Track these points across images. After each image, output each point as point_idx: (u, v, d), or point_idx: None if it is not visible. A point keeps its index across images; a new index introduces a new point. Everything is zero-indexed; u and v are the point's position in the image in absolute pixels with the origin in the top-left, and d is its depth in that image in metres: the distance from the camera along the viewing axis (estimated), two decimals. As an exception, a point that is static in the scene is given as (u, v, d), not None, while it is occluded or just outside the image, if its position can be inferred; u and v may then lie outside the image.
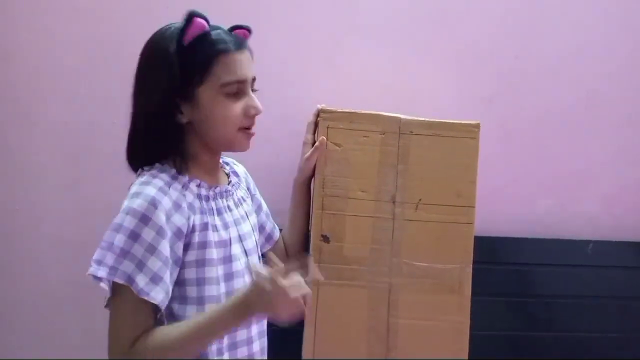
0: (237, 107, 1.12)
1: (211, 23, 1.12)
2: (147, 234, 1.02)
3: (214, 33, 1.10)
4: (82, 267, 1.68)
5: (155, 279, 1.03)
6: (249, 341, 1.18)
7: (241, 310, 1.03)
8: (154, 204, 1.03)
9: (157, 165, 1.12)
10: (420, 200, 1.33)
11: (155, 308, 1.05)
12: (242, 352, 1.16)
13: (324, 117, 1.33)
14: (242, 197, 1.27)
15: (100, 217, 1.66)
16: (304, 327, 1.32)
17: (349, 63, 1.76)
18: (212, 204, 1.15)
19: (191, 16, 1.08)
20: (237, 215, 1.20)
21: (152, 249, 1.02)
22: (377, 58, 1.77)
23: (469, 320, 1.34)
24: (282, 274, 1.01)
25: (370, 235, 1.33)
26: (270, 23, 1.70)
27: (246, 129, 1.15)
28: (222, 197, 1.18)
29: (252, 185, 1.40)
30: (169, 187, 1.08)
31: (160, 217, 1.03)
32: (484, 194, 1.78)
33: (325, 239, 1.32)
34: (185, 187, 1.11)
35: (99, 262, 1.02)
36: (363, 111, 1.34)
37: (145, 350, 1.02)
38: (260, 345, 1.22)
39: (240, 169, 1.37)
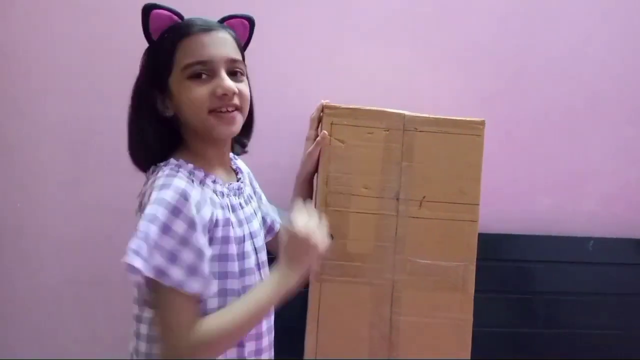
0: (203, 89, 1.08)
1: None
2: (179, 227, 1.00)
3: (181, 22, 1.11)
4: (83, 265, 1.70)
5: (190, 271, 1.01)
6: (259, 336, 1.17)
7: (286, 272, 1.10)
8: (185, 196, 1.01)
9: (172, 160, 1.10)
10: (424, 197, 1.33)
11: (196, 299, 1.04)
12: (250, 346, 1.16)
13: (327, 113, 1.32)
14: (250, 194, 1.26)
15: (101, 215, 1.67)
16: (306, 322, 1.32)
17: (349, 62, 1.76)
18: (227, 200, 1.14)
19: (145, 10, 1.09)
20: (247, 213, 1.20)
21: (184, 241, 1.00)
22: (378, 57, 1.77)
23: (472, 318, 1.34)
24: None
25: (373, 232, 1.32)
26: (270, 22, 1.69)
27: (218, 111, 1.10)
28: (235, 195, 1.18)
29: (253, 181, 1.39)
30: (192, 182, 1.07)
31: (191, 210, 1.01)
32: (485, 191, 1.77)
33: (329, 235, 1.31)
34: (202, 182, 1.10)
35: (137, 253, 0.97)
36: (367, 107, 1.33)
37: (208, 333, 1.02)
38: (269, 340, 1.21)
39: (243, 165, 1.37)
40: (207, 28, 1.10)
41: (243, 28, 1.20)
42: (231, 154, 1.34)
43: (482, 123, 1.35)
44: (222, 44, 1.11)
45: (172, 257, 0.99)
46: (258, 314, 1.09)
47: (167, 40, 1.09)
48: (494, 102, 1.82)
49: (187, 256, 1.01)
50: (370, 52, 1.76)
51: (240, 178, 1.25)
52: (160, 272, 0.99)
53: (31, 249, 1.69)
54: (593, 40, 1.84)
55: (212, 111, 1.09)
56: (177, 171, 1.07)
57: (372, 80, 1.76)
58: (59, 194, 1.68)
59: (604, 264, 1.82)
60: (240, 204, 1.18)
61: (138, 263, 0.97)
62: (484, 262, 1.71)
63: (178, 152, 1.13)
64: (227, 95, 1.09)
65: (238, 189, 1.19)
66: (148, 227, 0.98)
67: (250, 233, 1.18)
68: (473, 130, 1.34)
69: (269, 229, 1.41)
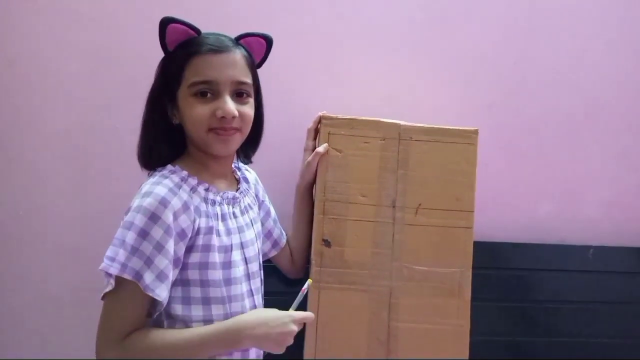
0: (206, 108, 1.13)
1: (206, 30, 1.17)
2: (156, 232, 1.05)
3: (199, 37, 1.15)
4: (84, 272, 1.72)
5: (161, 277, 1.06)
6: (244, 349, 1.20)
7: (232, 337, 1.10)
8: (163, 203, 1.06)
9: (169, 166, 1.16)
10: (420, 204, 1.35)
11: (155, 306, 1.09)
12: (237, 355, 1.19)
13: (325, 124, 1.35)
14: (249, 204, 1.28)
15: (103, 222, 1.67)
16: (305, 329, 1.33)
17: (349, 70, 1.76)
18: (218, 209, 1.17)
19: (163, 23, 1.13)
20: (241, 223, 1.22)
21: (159, 247, 1.05)
22: (378, 65, 1.77)
23: (469, 324, 1.35)
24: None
25: (370, 240, 1.35)
26: (271, 30, 1.70)
27: (217, 131, 1.15)
28: (228, 204, 1.20)
29: (261, 192, 1.41)
30: (179, 189, 1.11)
31: (169, 216, 1.06)
32: (484, 199, 1.77)
33: (327, 243, 1.33)
34: (193, 189, 1.14)
35: (112, 259, 1.05)
36: (363, 117, 1.36)
37: (134, 348, 1.05)
38: (256, 352, 1.24)
39: (251, 175, 1.39)
40: (217, 49, 1.14)
41: (259, 46, 1.25)
42: (243, 165, 1.37)
43: (476, 132, 1.37)
44: (231, 66, 1.15)
45: (148, 262, 1.05)
46: (185, 355, 1.09)
47: (179, 55, 1.14)
48: (494, 111, 1.81)
49: (161, 262, 1.06)
50: (370, 61, 1.77)
51: (239, 188, 1.27)
52: (138, 274, 1.04)
53: (33, 257, 1.70)
54: (592, 48, 1.84)
55: (211, 130, 1.14)
56: (167, 177, 1.11)
57: (372, 89, 1.76)
58: (61, 202, 1.69)
59: (604, 273, 1.80)
60: (234, 213, 1.21)
61: (114, 269, 1.04)
62: (482, 270, 1.69)
63: (180, 158, 1.19)
64: (225, 118, 1.13)
65: (233, 199, 1.22)
66: (124, 234, 1.05)
67: (241, 243, 1.21)
68: (467, 139, 1.36)
69: (274, 244, 1.44)
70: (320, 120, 1.37)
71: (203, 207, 1.14)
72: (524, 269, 1.78)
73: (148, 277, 1.05)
